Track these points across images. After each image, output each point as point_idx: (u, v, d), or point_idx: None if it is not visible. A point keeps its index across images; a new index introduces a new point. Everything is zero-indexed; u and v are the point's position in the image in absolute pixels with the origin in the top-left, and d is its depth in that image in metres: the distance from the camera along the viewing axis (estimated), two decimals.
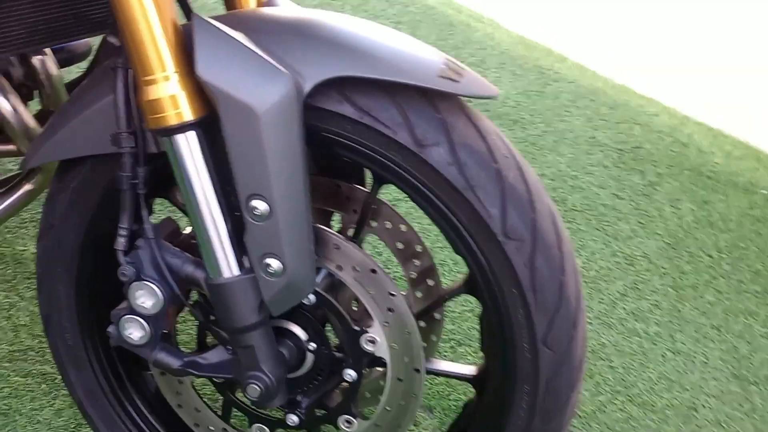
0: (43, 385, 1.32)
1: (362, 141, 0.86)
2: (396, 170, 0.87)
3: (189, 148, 0.82)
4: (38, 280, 1.00)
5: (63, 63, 1.16)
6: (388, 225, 1.03)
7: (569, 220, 1.94)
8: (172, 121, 0.80)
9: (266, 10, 0.88)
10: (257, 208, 0.82)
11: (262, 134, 0.78)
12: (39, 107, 1.19)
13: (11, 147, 1.08)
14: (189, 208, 0.85)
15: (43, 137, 0.89)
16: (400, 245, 1.04)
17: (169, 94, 0.79)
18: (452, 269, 1.68)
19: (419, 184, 0.87)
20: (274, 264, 0.85)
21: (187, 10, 0.95)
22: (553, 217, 0.89)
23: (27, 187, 1.15)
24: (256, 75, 0.78)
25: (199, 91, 0.80)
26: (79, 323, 1.02)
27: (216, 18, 0.83)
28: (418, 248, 1.04)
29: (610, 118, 2.41)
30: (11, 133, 1.03)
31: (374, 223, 1.03)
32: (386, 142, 0.85)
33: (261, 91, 0.78)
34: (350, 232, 1.05)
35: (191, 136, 0.81)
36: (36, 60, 1.07)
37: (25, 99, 1.15)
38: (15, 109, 1.01)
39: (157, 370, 1.04)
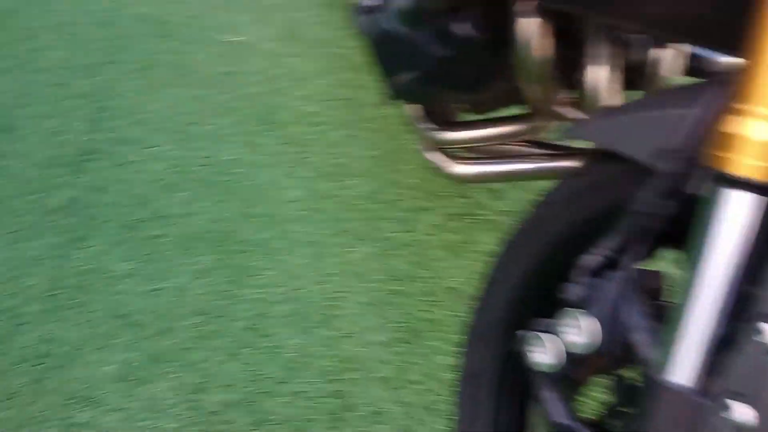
0: (414, 337, 1.31)
1: None
2: None
3: (738, 214, 0.60)
4: (502, 245, 0.93)
5: (688, 72, 1.00)
6: None
7: None
8: (739, 170, 0.59)
9: None
10: (761, 334, 0.57)
11: None
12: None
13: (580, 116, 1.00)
14: (685, 280, 0.64)
15: (599, 115, 0.77)
16: None
17: (758, 138, 0.59)
18: None
19: None
20: (741, 413, 0.60)
21: None
22: None
23: (566, 162, 1.07)
24: None
25: None
26: (508, 305, 0.93)
27: None
28: None
29: None
30: (585, 102, 0.94)
31: None
32: None
33: None
34: None
35: (750, 201, 0.60)
36: (653, 52, 0.94)
37: (629, 86, 1.04)
38: (600, 82, 0.91)
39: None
